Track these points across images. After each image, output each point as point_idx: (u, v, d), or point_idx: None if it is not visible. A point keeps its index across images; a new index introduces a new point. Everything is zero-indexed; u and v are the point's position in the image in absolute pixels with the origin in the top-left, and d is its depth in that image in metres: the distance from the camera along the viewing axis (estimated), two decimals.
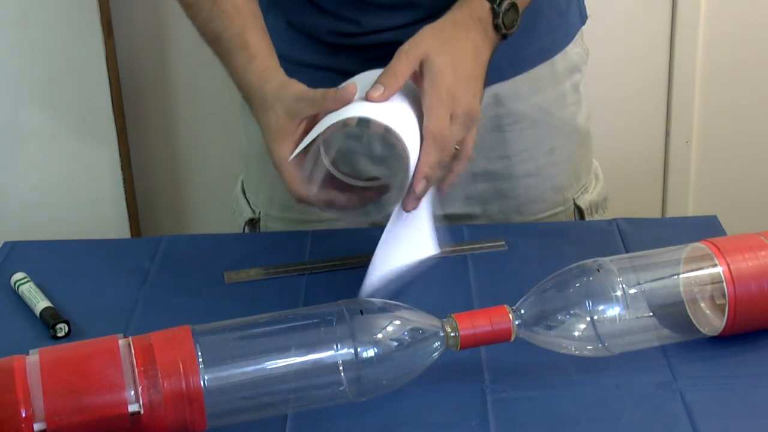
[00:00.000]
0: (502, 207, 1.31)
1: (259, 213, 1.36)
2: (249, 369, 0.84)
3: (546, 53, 1.27)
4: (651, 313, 0.92)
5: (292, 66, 1.10)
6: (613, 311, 0.91)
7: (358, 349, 0.85)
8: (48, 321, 1.04)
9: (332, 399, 0.86)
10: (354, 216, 1.04)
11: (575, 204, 1.34)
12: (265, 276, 1.12)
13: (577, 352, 0.92)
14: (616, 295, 0.91)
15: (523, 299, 0.92)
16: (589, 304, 0.91)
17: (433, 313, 0.90)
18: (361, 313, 0.86)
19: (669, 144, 1.99)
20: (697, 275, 0.95)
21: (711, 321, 0.95)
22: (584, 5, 1.34)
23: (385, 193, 1.05)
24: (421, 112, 1.01)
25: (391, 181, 1.04)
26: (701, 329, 0.95)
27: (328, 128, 0.98)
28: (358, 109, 0.98)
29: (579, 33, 1.33)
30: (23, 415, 0.79)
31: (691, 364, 0.94)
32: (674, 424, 0.87)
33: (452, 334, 0.88)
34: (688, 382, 0.92)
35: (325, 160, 1.00)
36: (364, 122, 0.98)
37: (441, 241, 1.13)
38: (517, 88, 1.27)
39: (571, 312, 0.91)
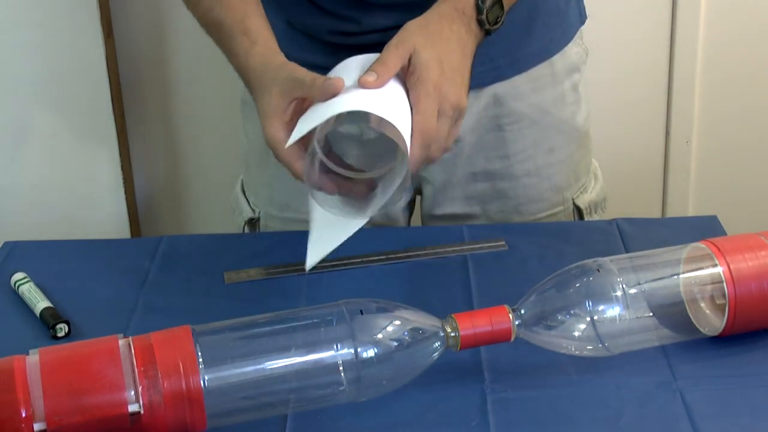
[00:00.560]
0: (502, 207, 1.31)
1: (259, 212, 1.36)
2: (249, 369, 0.84)
3: (545, 53, 1.27)
4: (651, 313, 0.92)
5: None
6: (613, 311, 0.91)
7: (358, 349, 0.85)
8: (48, 321, 1.04)
9: (332, 399, 0.86)
10: (350, 207, 1.03)
11: (574, 204, 1.34)
12: (265, 276, 1.13)
13: (577, 352, 0.92)
14: (616, 295, 0.91)
15: (523, 299, 0.92)
16: (589, 304, 0.91)
17: (433, 313, 0.90)
18: (361, 313, 0.86)
19: (669, 144, 1.99)
20: (697, 275, 0.95)
21: (711, 321, 0.95)
22: (583, 5, 1.34)
23: (374, 187, 1.05)
24: (409, 105, 1.01)
25: (383, 173, 1.04)
26: (701, 329, 0.95)
27: (324, 122, 0.97)
28: (353, 102, 0.98)
29: (578, 33, 1.33)
30: (23, 415, 0.79)
31: (691, 364, 0.94)
32: (674, 424, 0.87)
33: (452, 334, 0.88)
34: (688, 382, 0.92)
35: (319, 153, 1.00)
36: (360, 114, 0.98)
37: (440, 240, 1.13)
38: (516, 87, 1.27)
39: (571, 312, 0.91)
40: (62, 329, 1.03)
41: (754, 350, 0.96)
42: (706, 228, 1.17)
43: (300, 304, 1.05)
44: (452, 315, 0.90)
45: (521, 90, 1.27)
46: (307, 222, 1.29)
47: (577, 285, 0.92)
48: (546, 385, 0.92)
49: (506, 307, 0.90)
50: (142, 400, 0.81)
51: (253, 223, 1.36)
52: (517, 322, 0.90)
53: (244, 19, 1.11)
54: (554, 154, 1.31)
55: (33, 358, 0.83)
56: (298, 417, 0.89)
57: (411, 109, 1.01)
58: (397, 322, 0.87)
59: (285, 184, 1.31)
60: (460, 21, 1.07)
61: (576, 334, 0.91)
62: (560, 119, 1.31)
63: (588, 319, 0.90)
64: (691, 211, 2.02)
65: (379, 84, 1.00)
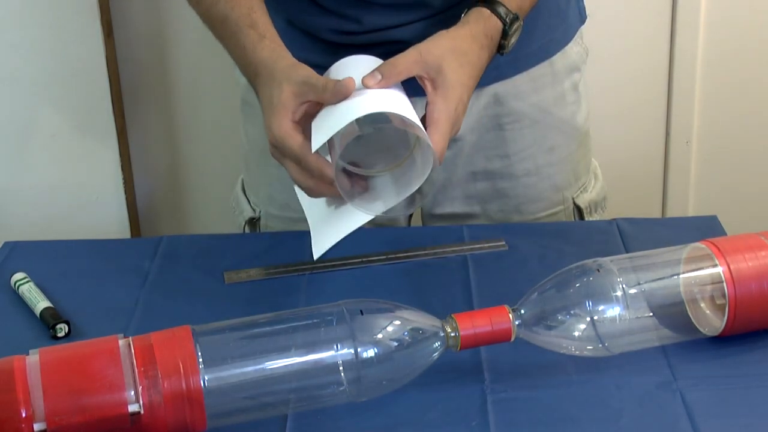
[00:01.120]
0: (502, 206, 1.31)
1: (260, 212, 1.36)
2: (249, 369, 0.84)
3: (545, 53, 1.27)
4: (651, 313, 0.92)
5: None
6: (613, 311, 0.91)
7: (358, 349, 0.85)
8: (48, 321, 1.04)
9: (332, 399, 0.86)
10: (365, 201, 1.03)
11: (574, 203, 1.34)
12: (265, 276, 1.13)
13: (577, 352, 0.92)
14: (616, 295, 0.91)
15: (523, 299, 0.92)
16: (589, 304, 0.91)
17: (433, 313, 0.90)
18: (361, 313, 0.86)
19: (669, 144, 1.99)
20: (697, 275, 0.95)
21: (711, 321, 0.95)
22: (583, 5, 1.34)
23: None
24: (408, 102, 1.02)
25: (398, 165, 1.04)
26: (701, 329, 0.95)
27: (346, 130, 0.98)
28: (372, 104, 0.99)
29: (578, 32, 1.33)
30: (23, 415, 0.79)
31: (691, 364, 0.94)
32: (674, 424, 0.87)
33: (452, 334, 0.88)
34: (688, 382, 0.92)
35: (342, 162, 1.00)
36: (379, 116, 0.98)
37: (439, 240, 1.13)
38: (516, 87, 1.27)
39: (571, 312, 0.91)
40: (62, 329, 1.03)
41: (754, 350, 0.96)
42: (706, 228, 1.17)
43: (300, 304, 1.05)
44: (452, 315, 0.90)
45: (521, 89, 1.27)
46: (306, 221, 1.30)
47: (577, 285, 0.92)
48: (546, 385, 0.92)
49: (506, 307, 0.90)
50: (142, 400, 0.81)
51: (253, 222, 1.37)
52: (517, 322, 0.90)
53: (250, 13, 1.11)
54: (554, 154, 1.31)
55: (33, 358, 0.83)
56: (298, 417, 0.89)
57: (427, 122, 1.02)
58: (397, 322, 0.87)
59: (285, 184, 1.31)
60: (488, 48, 1.10)
61: (576, 334, 0.91)
62: (560, 119, 1.31)
63: (588, 319, 0.90)
64: (691, 211, 2.02)
65: (381, 87, 1.01)
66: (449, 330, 0.89)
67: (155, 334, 0.85)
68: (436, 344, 0.88)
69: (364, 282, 1.11)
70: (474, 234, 1.20)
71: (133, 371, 0.82)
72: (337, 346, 0.85)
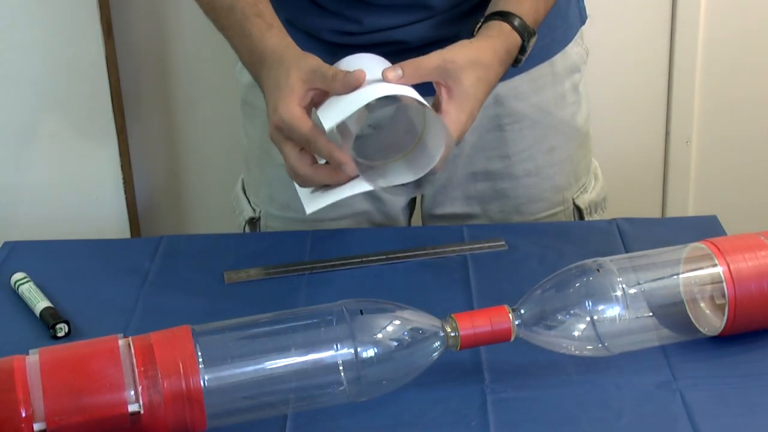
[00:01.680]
0: (502, 207, 1.32)
1: (260, 212, 1.36)
2: (249, 369, 0.84)
3: (546, 53, 1.27)
4: (651, 313, 0.92)
5: None
6: (613, 311, 0.91)
7: (358, 349, 0.85)
8: (48, 321, 1.04)
9: (332, 399, 0.86)
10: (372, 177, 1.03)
11: (574, 204, 1.34)
12: (265, 276, 1.13)
13: (577, 352, 0.92)
14: (616, 295, 0.91)
15: (523, 299, 0.92)
16: (589, 304, 0.91)
17: (433, 313, 0.90)
18: (361, 313, 0.87)
19: (669, 144, 1.99)
20: (697, 275, 0.95)
21: (711, 321, 0.95)
22: (584, 5, 1.34)
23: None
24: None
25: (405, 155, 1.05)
26: (701, 329, 0.95)
27: (356, 116, 0.98)
28: (386, 88, 0.99)
29: (579, 33, 1.33)
30: (23, 415, 0.79)
31: (691, 364, 0.94)
32: (674, 424, 0.87)
33: (452, 334, 0.88)
34: (688, 382, 0.92)
35: (353, 153, 1.01)
36: (389, 99, 0.99)
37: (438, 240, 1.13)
38: (516, 87, 1.27)
39: (571, 312, 0.91)
40: (62, 329, 1.03)
41: (754, 350, 0.96)
42: (706, 228, 1.17)
43: (300, 304, 1.05)
44: (452, 315, 0.90)
45: (522, 90, 1.27)
46: (306, 221, 1.30)
47: (577, 285, 0.92)
48: (546, 385, 0.92)
49: (506, 307, 0.90)
50: (142, 400, 0.81)
51: (253, 222, 1.37)
52: (517, 322, 0.90)
53: (257, 3, 1.11)
54: (554, 154, 1.31)
55: (33, 358, 0.83)
56: (298, 417, 0.89)
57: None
58: (397, 322, 0.87)
59: (285, 184, 1.31)
60: (506, 64, 1.10)
61: (576, 334, 0.91)
62: (560, 119, 1.31)
63: (588, 319, 0.90)
64: (691, 211, 2.02)
65: (400, 82, 1.01)
66: (449, 330, 0.89)
67: (155, 334, 0.85)
68: (436, 344, 0.88)
69: (364, 282, 1.11)
70: (474, 234, 1.20)
71: (133, 371, 0.82)
72: (337, 346, 0.85)
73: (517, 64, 1.13)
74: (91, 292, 1.11)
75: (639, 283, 0.92)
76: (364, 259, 1.14)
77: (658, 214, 2.03)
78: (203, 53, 1.87)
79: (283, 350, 0.85)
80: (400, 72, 1.02)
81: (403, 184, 1.02)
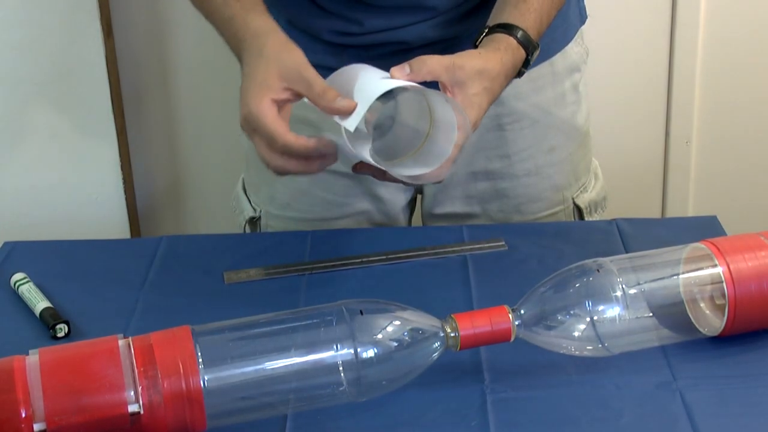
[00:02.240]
0: (502, 206, 1.32)
1: (260, 211, 1.36)
2: (249, 369, 0.84)
3: (546, 53, 1.27)
4: (651, 314, 0.92)
5: None
6: (613, 311, 0.91)
7: (358, 350, 0.85)
8: (48, 321, 1.04)
9: (332, 399, 0.86)
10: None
11: (574, 203, 1.34)
12: (265, 276, 1.13)
13: (577, 352, 0.92)
14: (616, 296, 0.91)
15: (523, 299, 0.92)
16: (589, 304, 0.91)
17: (433, 313, 0.90)
18: (361, 313, 0.86)
19: (669, 144, 1.99)
20: (697, 275, 0.95)
21: (711, 321, 0.95)
22: (584, 5, 1.34)
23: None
24: None
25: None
26: (701, 329, 0.95)
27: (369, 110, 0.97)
28: (393, 82, 0.98)
29: (579, 33, 1.33)
30: (23, 415, 0.79)
31: (691, 364, 0.94)
32: (674, 424, 0.87)
33: (452, 334, 0.88)
34: (688, 382, 0.92)
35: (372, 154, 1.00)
36: (397, 91, 0.98)
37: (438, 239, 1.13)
38: (516, 87, 1.26)
39: (571, 312, 0.91)
40: (62, 329, 1.03)
41: (754, 350, 0.96)
42: (705, 228, 1.17)
43: (300, 304, 1.05)
44: (452, 315, 0.90)
45: (522, 89, 1.27)
46: (306, 221, 1.30)
47: (577, 285, 0.92)
48: (546, 385, 0.92)
49: (506, 307, 0.90)
50: (142, 400, 0.81)
51: (253, 222, 1.37)
52: (517, 322, 0.90)
53: None
54: (554, 154, 1.31)
55: (33, 359, 0.83)
56: (298, 417, 0.89)
57: None
58: (397, 322, 0.87)
59: (286, 184, 1.31)
60: (510, 77, 1.10)
61: (576, 334, 0.91)
62: (560, 119, 1.31)
63: (588, 319, 0.90)
64: (691, 211, 2.02)
65: (408, 79, 1.00)
66: (449, 330, 0.89)
67: (155, 334, 0.85)
68: (436, 344, 0.88)
69: (364, 282, 1.11)
70: (474, 234, 1.20)
71: (133, 371, 0.82)
72: (336, 347, 0.85)
73: (519, 76, 1.13)
74: (91, 292, 1.11)
75: (639, 284, 0.92)
76: (364, 259, 1.14)
77: (658, 214, 2.03)
78: (203, 53, 1.87)
79: (283, 350, 0.85)
80: (407, 69, 1.01)
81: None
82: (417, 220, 1.39)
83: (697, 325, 0.95)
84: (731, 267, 0.93)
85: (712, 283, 0.94)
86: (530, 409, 0.90)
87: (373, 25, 1.20)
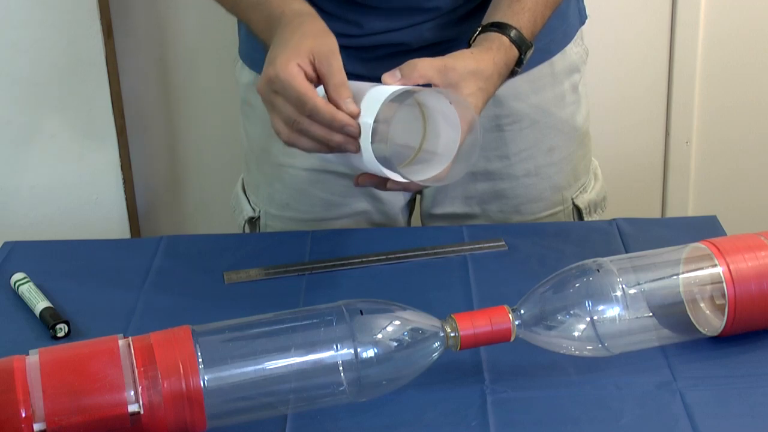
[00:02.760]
0: (501, 207, 1.32)
1: (259, 211, 1.36)
2: (249, 369, 0.84)
3: (545, 53, 1.27)
4: (651, 314, 0.92)
5: None
6: (613, 311, 0.91)
7: (358, 350, 0.85)
8: (48, 321, 1.04)
9: (332, 399, 0.86)
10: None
11: (574, 204, 1.34)
12: (265, 276, 1.13)
13: (577, 353, 0.92)
14: (616, 296, 0.91)
15: (523, 299, 0.92)
16: (589, 304, 0.91)
17: (433, 313, 0.90)
18: (361, 313, 0.86)
19: (669, 144, 1.99)
20: (697, 275, 0.95)
21: (711, 321, 0.95)
22: (584, 5, 1.34)
23: None
24: None
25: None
26: (701, 329, 0.95)
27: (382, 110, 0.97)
28: (395, 88, 0.98)
29: (578, 33, 1.33)
30: (23, 415, 0.79)
31: (691, 364, 0.94)
32: (674, 424, 0.87)
33: (452, 335, 0.88)
34: (688, 382, 0.92)
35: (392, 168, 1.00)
36: (405, 95, 0.98)
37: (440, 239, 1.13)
38: (516, 87, 1.27)
39: (571, 312, 0.91)
40: (62, 329, 1.03)
41: (754, 350, 0.96)
42: (705, 228, 1.17)
43: (300, 304, 1.05)
44: (452, 315, 0.90)
45: (521, 90, 1.27)
46: (305, 221, 1.30)
47: (577, 285, 0.92)
48: (546, 385, 0.92)
49: (506, 307, 0.90)
50: (142, 401, 0.81)
51: (253, 222, 1.37)
52: (517, 322, 0.90)
53: None
54: (554, 154, 1.31)
55: (33, 359, 0.83)
56: (298, 417, 0.89)
57: None
58: (397, 322, 0.87)
59: (285, 184, 1.31)
60: (504, 77, 1.10)
61: (576, 334, 0.91)
62: (560, 119, 1.31)
63: (588, 319, 0.90)
64: (691, 211, 2.02)
65: (400, 83, 1.01)
66: (449, 330, 0.89)
67: (155, 334, 0.85)
68: (436, 344, 0.88)
69: (364, 282, 1.11)
70: (474, 234, 1.20)
71: (133, 371, 0.82)
72: (336, 347, 0.85)
73: (513, 75, 1.12)
74: (91, 292, 1.11)
75: (639, 284, 0.92)
76: (364, 259, 1.14)
77: (658, 214, 2.03)
78: (203, 53, 1.87)
79: (283, 350, 0.85)
80: (398, 74, 1.01)
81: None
82: (416, 220, 1.39)
83: (697, 325, 0.95)
84: (731, 267, 0.93)
85: (712, 283, 0.94)
86: (530, 409, 0.90)
87: (372, 26, 1.20)
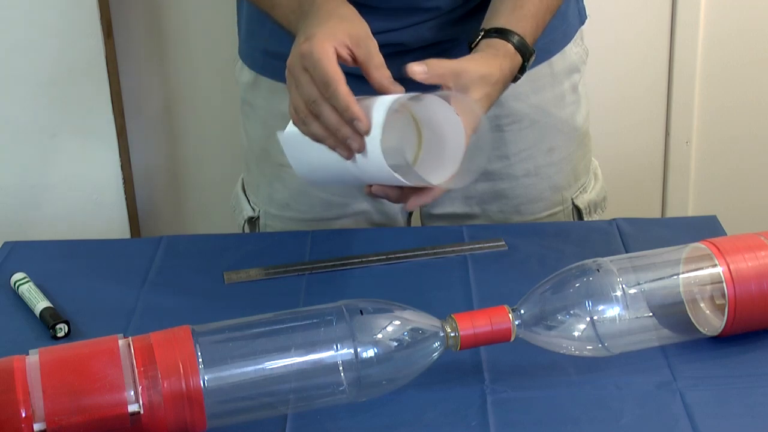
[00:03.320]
0: (501, 207, 1.31)
1: (259, 211, 1.36)
2: (249, 369, 0.84)
3: (545, 53, 1.27)
4: (651, 314, 0.92)
5: None
6: (613, 311, 0.91)
7: (358, 350, 0.85)
8: (48, 321, 1.04)
9: (332, 399, 0.86)
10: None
11: (574, 204, 1.34)
12: (265, 276, 1.13)
13: (577, 352, 0.92)
14: (616, 296, 0.91)
15: (523, 299, 0.92)
16: (589, 304, 0.91)
17: (433, 313, 0.90)
18: (361, 313, 0.86)
19: (669, 144, 1.99)
20: (697, 275, 0.95)
21: (711, 321, 0.95)
22: (583, 5, 1.34)
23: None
24: None
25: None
26: (701, 329, 0.95)
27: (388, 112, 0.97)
28: (395, 96, 0.99)
29: (578, 33, 1.33)
30: (23, 415, 0.79)
31: (691, 364, 0.94)
32: (674, 424, 0.87)
33: (452, 334, 0.88)
34: (688, 382, 0.92)
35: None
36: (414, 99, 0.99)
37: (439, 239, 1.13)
38: (516, 87, 1.26)
39: (571, 312, 0.91)
40: (62, 329, 1.03)
41: (754, 350, 0.96)
42: (705, 228, 1.17)
43: (300, 304, 1.05)
44: (452, 315, 0.90)
45: (521, 90, 1.27)
46: (305, 221, 1.30)
47: (577, 285, 0.92)
48: (546, 385, 0.92)
49: (506, 307, 0.90)
50: (142, 400, 0.81)
51: (253, 221, 1.37)
52: (517, 322, 0.90)
53: None
54: (554, 154, 1.31)
55: (33, 358, 0.83)
56: (298, 417, 0.89)
57: None
58: (397, 322, 0.87)
59: (285, 184, 1.31)
60: (508, 83, 1.11)
61: (576, 334, 0.91)
62: (560, 119, 1.31)
63: (588, 319, 0.90)
64: (691, 211, 2.02)
65: (425, 77, 1.01)
66: (449, 330, 0.89)
67: (155, 334, 0.85)
68: (436, 344, 0.88)
69: (364, 282, 1.11)
70: (474, 234, 1.20)
71: (133, 371, 0.82)
72: (336, 346, 0.85)
73: (514, 81, 1.13)
74: (91, 292, 1.11)
75: (639, 284, 0.92)
76: (364, 259, 1.14)
77: (658, 214, 2.03)
78: (203, 54, 1.87)
79: (283, 350, 0.85)
80: (425, 67, 1.02)
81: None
82: (416, 220, 1.39)
83: (697, 325, 0.95)
84: (731, 267, 0.93)
85: (712, 283, 0.94)
86: (530, 409, 0.90)
87: (371, 26, 1.20)
